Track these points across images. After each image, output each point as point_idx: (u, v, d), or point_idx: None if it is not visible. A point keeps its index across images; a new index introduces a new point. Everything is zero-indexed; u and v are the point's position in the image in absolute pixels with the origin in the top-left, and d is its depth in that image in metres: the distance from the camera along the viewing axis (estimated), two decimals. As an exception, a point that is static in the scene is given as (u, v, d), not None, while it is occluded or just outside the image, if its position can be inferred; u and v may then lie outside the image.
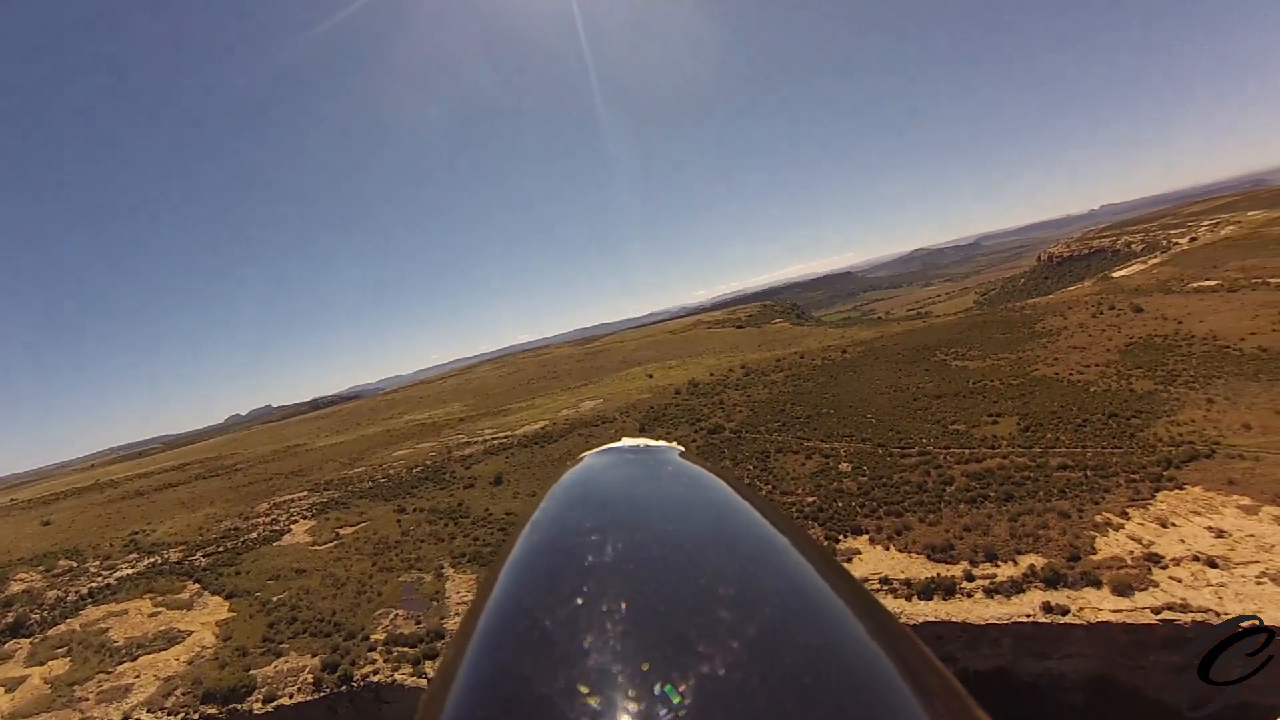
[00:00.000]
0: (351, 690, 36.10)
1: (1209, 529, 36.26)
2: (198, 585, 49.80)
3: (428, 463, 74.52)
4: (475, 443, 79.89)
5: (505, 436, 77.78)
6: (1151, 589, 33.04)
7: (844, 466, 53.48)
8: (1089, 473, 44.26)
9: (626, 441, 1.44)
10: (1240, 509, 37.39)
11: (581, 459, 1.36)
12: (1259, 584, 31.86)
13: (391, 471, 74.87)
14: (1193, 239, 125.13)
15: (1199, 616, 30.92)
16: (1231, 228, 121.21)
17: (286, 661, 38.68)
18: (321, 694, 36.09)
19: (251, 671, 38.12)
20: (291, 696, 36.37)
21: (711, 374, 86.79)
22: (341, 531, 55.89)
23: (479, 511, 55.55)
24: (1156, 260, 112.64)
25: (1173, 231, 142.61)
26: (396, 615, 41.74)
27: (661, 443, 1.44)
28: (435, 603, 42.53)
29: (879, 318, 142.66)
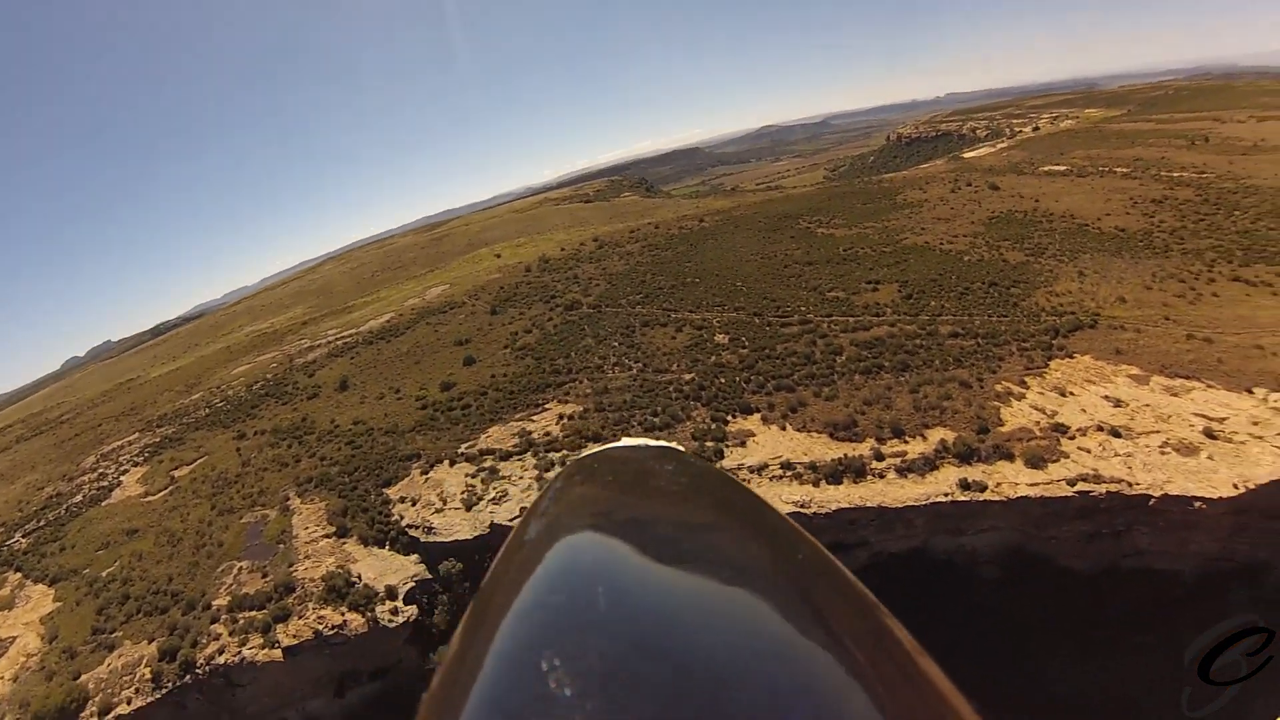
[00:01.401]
0: (197, 679, 29.73)
1: (1106, 398, 36.77)
2: (19, 575, 43.63)
3: (269, 377, 69.46)
4: (319, 345, 75.35)
5: (350, 335, 74.26)
6: (1063, 460, 32.73)
7: (720, 338, 50.25)
8: (980, 341, 44.20)
9: (627, 441, 1.50)
10: (1131, 379, 38.40)
11: (582, 459, 1.41)
12: (1163, 454, 32.48)
13: (230, 393, 69.11)
14: (1035, 129, 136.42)
15: (1112, 487, 30.97)
16: (1070, 122, 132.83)
17: (120, 655, 31.87)
18: (163, 690, 29.58)
19: (82, 678, 31.01)
20: (130, 701, 29.50)
21: (563, 249, 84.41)
22: (176, 474, 51.14)
23: (324, 425, 50.06)
24: (1004, 144, 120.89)
25: (1015, 121, 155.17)
26: (240, 569, 35.64)
27: (661, 443, 1.50)
28: (282, 545, 36.68)
29: (731, 189, 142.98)
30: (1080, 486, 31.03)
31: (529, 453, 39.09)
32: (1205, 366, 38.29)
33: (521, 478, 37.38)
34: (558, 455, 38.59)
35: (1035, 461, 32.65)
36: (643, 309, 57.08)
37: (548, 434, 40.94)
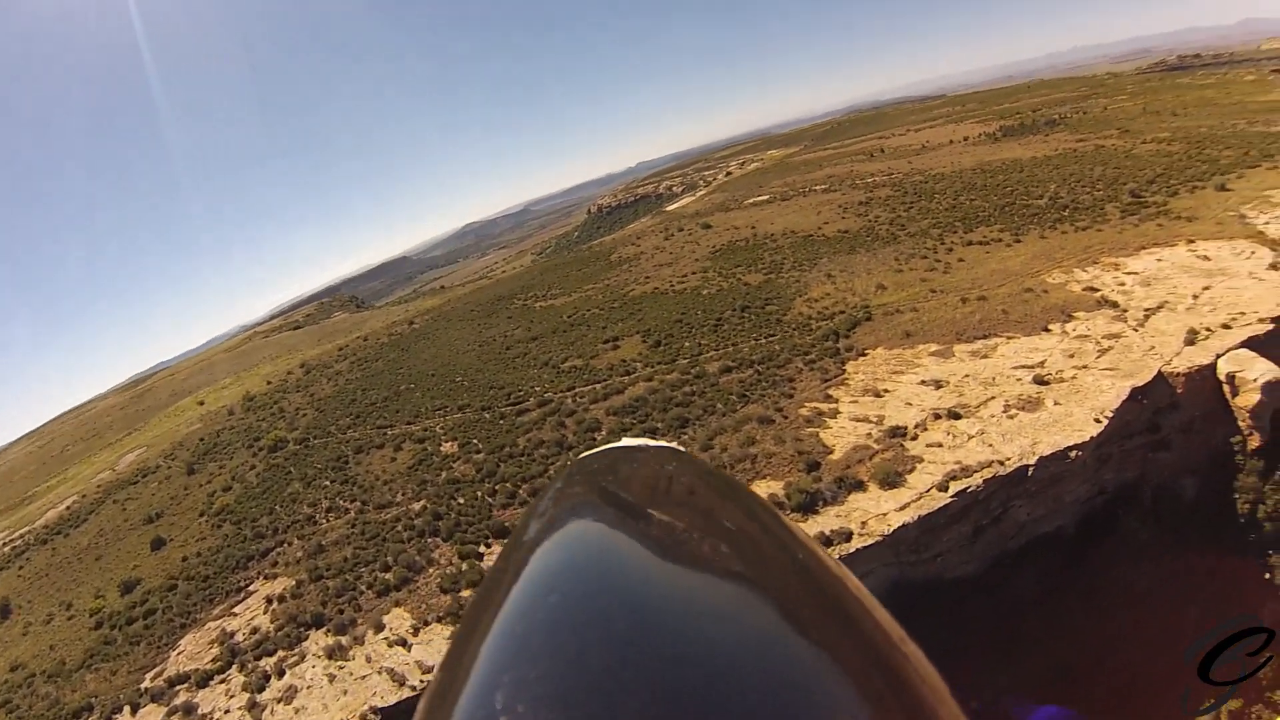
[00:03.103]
0: None
1: (924, 383, 33.19)
2: None
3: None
4: (-16, 556, 58.95)
5: (22, 535, 63.53)
6: (919, 467, 27.59)
7: (448, 447, 42.07)
8: (759, 368, 39.75)
9: (627, 441, 1.59)
10: (935, 355, 35.74)
11: (582, 459, 1.50)
12: (1010, 417, 29.21)
13: None
14: (728, 174, 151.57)
15: (986, 474, 26.36)
16: (757, 163, 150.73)
17: None
18: None
19: None
20: None
21: (269, 382, 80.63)
22: None
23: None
24: (703, 192, 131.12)
25: (707, 173, 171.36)
26: None
27: (661, 443, 1.58)
28: None
29: (441, 287, 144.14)
30: (955, 487, 25.77)
31: (234, 667, 29.06)
32: (996, 322, 37.97)
33: (229, 711, 26.48)
34: (271, 661, 28.38)
35: (890, 480, 26.96)
36: (355, 432, 51.05)
37: (255, 630, 30.86)
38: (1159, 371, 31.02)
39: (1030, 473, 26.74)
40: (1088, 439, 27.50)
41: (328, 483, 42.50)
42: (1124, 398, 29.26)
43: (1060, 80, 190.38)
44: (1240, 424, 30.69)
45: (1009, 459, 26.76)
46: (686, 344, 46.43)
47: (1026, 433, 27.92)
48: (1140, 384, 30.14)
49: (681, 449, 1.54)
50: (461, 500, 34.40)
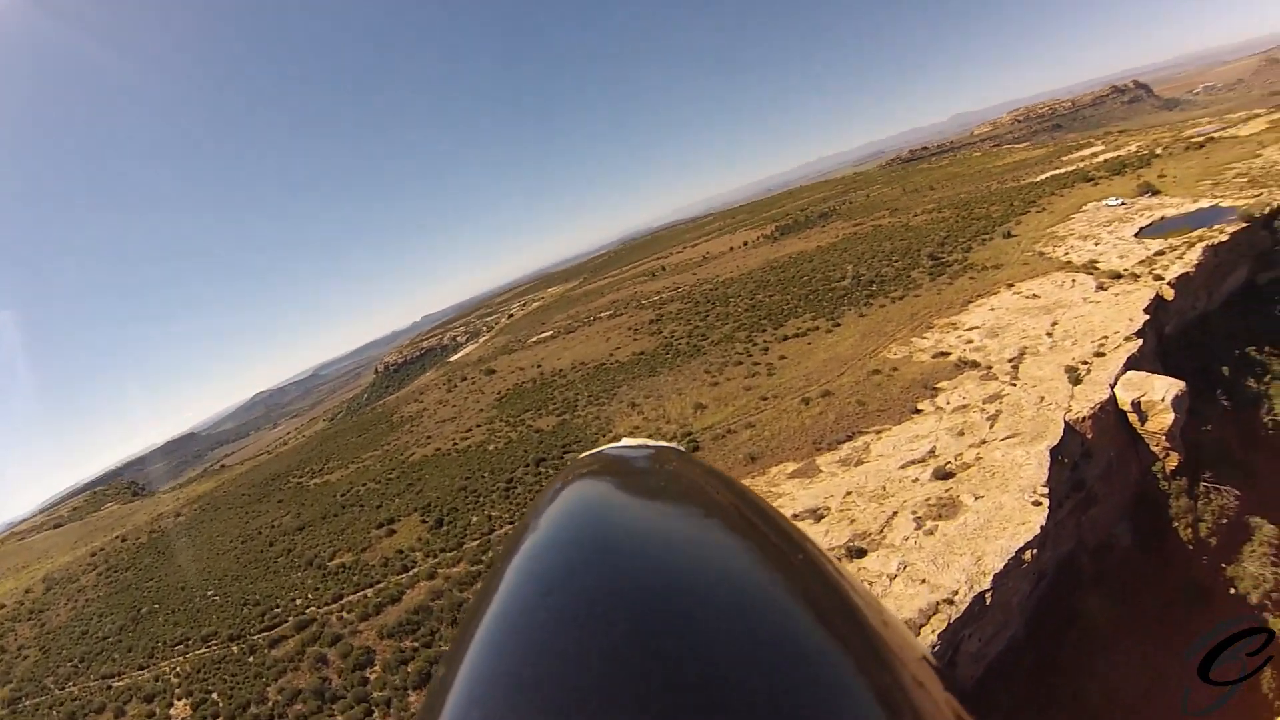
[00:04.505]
0: None
1: (795, 517, 26.02)
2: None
3: None
4: None
5: None
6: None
7: (181, 709, 33.17)
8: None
9: (627, 441, 1.63)
10: (795, 477, 29.81)
11: (582, 459, 1.54)
12: (930, 534, 23.29)
13: None
14: (510, 315, 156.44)
15: (937, 622, 19.48)
16: (539, 302, 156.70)
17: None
18: None
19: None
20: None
21: (1, 606, 70.78)
22: None
23: None
24: (487, 337, 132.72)
25: (490, 318, 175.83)
26: None
27: (662, 442, 1.63)
28: None
29: (220, 466, 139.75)
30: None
31: None
32: (855, 417, 33.40)
33: None
34: None
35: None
36: (76, 686, 43.27)
37: None
38: (1066, 423, 26.33)
39: (989, 599, 19.71)
40: (1037, 529, 21.70)
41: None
42: (1047, 465, 24.30)
43: (817, 184, 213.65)
44: (1155, 449, 29.50)
45: (957, 592, 19.65)
46: (475, 519, 40.78)
47: (960, 548, 21.10)
48: (1054, 443, 25.30)
49: (682, 449, 1.55)
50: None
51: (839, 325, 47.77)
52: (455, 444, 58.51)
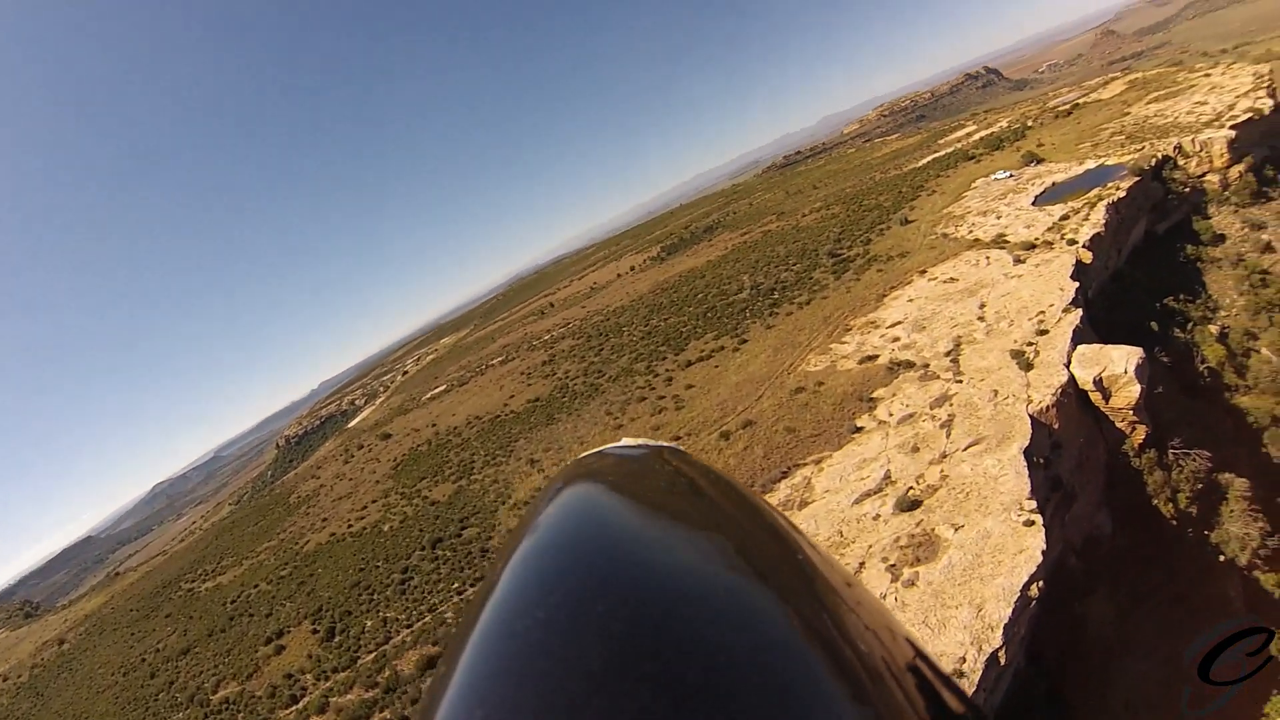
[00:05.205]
0: None
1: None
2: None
3: None
4: None
5: None
6: None
7: None
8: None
9: (627, 441, 1.59)
10: None
11: (582, 459, 1.48)
12: (910, 585, 18.89)
13: None
14: (405, 372, 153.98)
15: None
16: (433, 354, 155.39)
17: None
18: None
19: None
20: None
21: None
22: None
23: None
24: (384, 398, 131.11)
25: (386, 377, 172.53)
26: None
27: (661, 442, 1.58)
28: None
29: (115, 574, 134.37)
30: None
31: None
32: (787, 447, 29.73)
33: None
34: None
35: None
36: None
37: None
38: (1031, 417, 23.01)
39: (1002, 657, 15.72)
40: (1039, 556, 18.05)
41: None
42: (1026, 473, 20.83)
43: (697, 200, 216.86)
44: (1120, 425, 27.52)
45: (964, 659, 15.78)
46: (369, 623, 37.46)
47: (954, 598, 17.04)
48: (1025, 443, 21.99)
49: (682, 448, 1.51)
50: None
51: (746, 341, 44.70)
52: (350, 525, 55.44)
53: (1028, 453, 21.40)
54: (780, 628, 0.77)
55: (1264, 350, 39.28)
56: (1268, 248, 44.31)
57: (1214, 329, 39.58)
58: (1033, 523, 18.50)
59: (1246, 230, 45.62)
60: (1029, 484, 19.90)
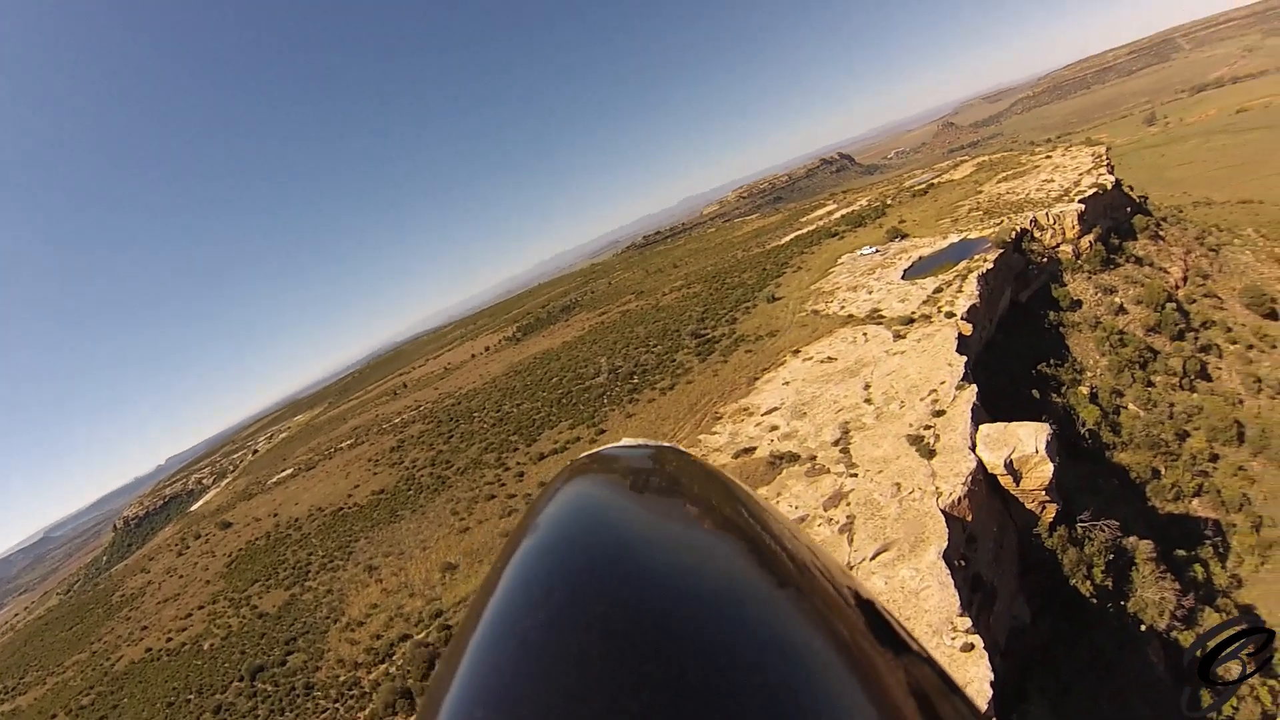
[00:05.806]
0: None
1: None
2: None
3: None
4: None
5: None
6: None
7: None
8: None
9: (627, 441, 1.63)
10: None
11: (581, 459, 1.54)
12: None
13: None
14: (255, 451, 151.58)
15: None
16: (285, 432, 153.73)
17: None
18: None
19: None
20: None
21: None
22: None
23: None
24: (230, 479, 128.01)
25: (236, 455, 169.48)
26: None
27: (662, 442, 1.62)
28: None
29: None
30: None
31: None
32: None
33: None
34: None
35: None
36: None
37: None
38: (943, 512, 20.22)
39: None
40: (988, 690, 15.95)
41: None
42: (951, 582, 18.12)
43: (556, 279, 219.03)
44: (1030, 506, 26.52)
45: None
46: None
47: None
48: (944, 545, 18.93)
49: (682, 448, 1.54)
50: None
51: (604, 432, 42.48)
52: (170, 639, 51.82)
53: (947, 556, 18.50)
54: (780, 628, 0.78)
55: (1131, 406, 41.40)
56: (1120, 309, 47.71)
57: (1085, 390, 40.99)
58: (972, 646, 15.47)
59: (1100, 295, 48.80)
60: (957, 597, 16.94)
